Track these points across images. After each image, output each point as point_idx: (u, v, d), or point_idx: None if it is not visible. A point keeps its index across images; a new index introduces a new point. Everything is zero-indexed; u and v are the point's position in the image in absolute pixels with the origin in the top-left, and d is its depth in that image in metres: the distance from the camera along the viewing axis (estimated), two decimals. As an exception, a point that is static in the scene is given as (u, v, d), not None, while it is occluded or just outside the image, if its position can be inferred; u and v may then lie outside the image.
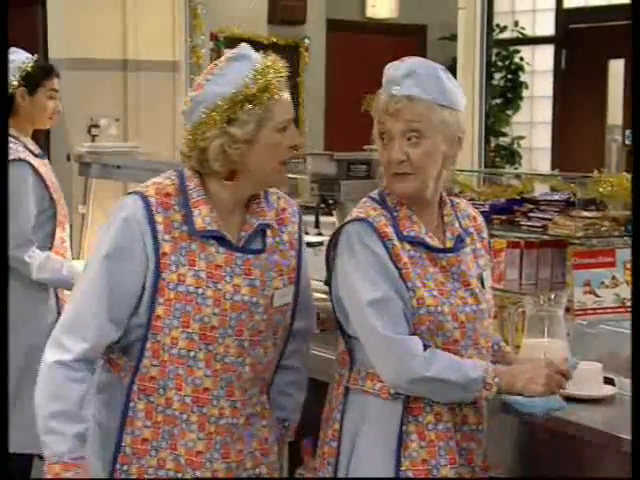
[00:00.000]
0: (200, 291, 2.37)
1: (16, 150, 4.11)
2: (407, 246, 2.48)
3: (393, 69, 2.49)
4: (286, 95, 2.43)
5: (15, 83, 4.19)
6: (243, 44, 2.48)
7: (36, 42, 5.71)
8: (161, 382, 2.40)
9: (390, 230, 2.47)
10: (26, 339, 4.11)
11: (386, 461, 2.46)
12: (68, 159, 5.43)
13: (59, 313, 4.22)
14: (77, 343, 2.36)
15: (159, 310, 2.37)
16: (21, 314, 4.11)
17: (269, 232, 2.49)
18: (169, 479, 2.40)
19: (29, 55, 4.33)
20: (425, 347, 2.42)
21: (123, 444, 2.42)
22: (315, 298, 2.74)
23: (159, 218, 2.38)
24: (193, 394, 2.39)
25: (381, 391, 2.47)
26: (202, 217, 2.40)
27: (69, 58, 5.38)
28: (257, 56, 2.43)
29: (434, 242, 2.51)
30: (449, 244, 2.53)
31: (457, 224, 2.57)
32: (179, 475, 2.41)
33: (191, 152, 2.43)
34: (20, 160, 4.11)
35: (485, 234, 2.66)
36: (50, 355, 2.37)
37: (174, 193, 2.42)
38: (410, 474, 2.45)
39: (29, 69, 4.24)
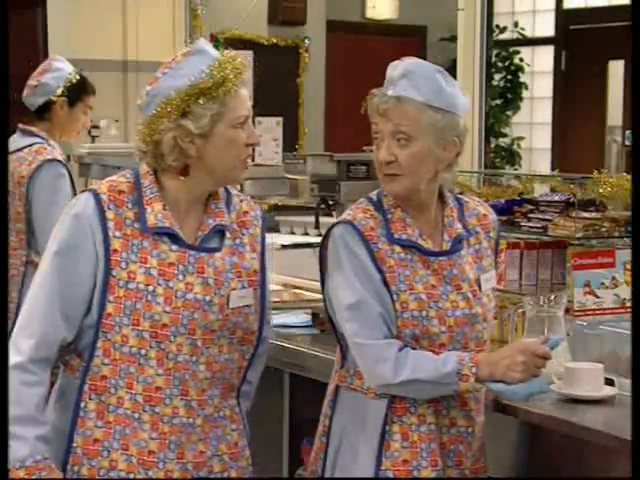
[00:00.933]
0: (151, 288, 2.34)
1: (51, 151, 4.17)
2: (397, 248, 2.49)
3: (391, 69, 2.50)
4: (244, 91, 2.41)
5: (59, 92, 4.25)
6: (201, 39, 2.49)
7: (36, 43, 5.71)
8: (112, 381, 2.35)
9: (378, 232, 2.48)
10: None
11: (367, 460, 2.48)
12: (68, 160, 5.43)
13: None
14: (27, 341, 2.34)
15: (109, 308, 2.34)
16: None
17: (228, 234, 2.45)
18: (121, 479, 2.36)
19: (72, 67, 4.40)
20: (402, 348, 2.43)
21: (74, 445, 2.38)
22: (315, 299, 2.75)
23: (110, 215, 2.36)
24: (145, 393, 2.35)
25: (368, 390, 2.49)
26: (155, 214, 2.37)
27: (69, 59, 5.36)
28: (215, 51, 2.42)
29: (428, 244, 2.51)
30: (445, 246, 2.53)
31: (458, 225, 2.56)
32: (131, 475, 2.36)
33: (146, 147, 2.42)
34: (57, 160, 4.17)
35: (493, 233, 2.63)
36: (10, 358, 2.34)
37: (127, 190, 2.41)
38: (390, 474, 2.46)
39: (74, 81, 4.31)
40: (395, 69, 2.48)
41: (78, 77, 4.35)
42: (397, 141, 2.45)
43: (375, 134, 2.49)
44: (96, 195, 2.39)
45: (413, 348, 2.45)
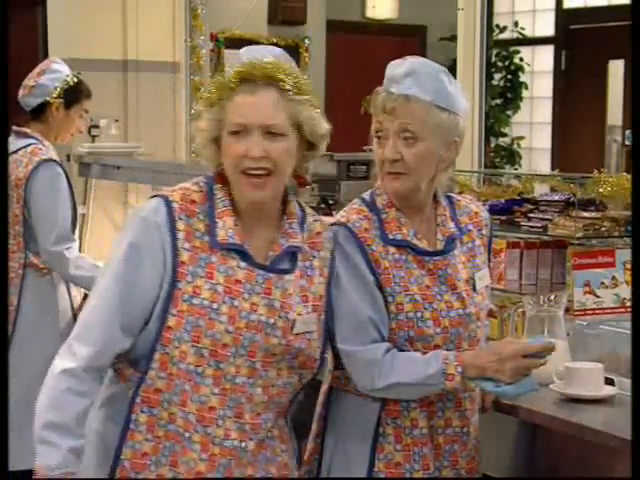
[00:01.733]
0: (215, 306, 2.25)
1: (47, 151, 4.18)
2: (392, 249, 2.47)
3: (394, 67, 2.48)
4: (248, 99, 2.26)
5: (55, 93, 4.25)
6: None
7: (36, 42, 5.71)
8: (166, 395, 2.27)
9: (372, 234, 2.47)
10: (41, 349, 4.14)
11: (361, 461, 2.47)
12: (68, 159, 5.44)
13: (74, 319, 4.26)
14: (85, 348, 2.25)
15: (171, 321, 2.24)
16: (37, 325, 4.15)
17: (300, 256, 2.36)
18: None
19: (70, 70, 4.40)
20: (388, 350, 2.42)
21: (122, 457, 2.29)
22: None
23: (181, 225, 2.26)
24: (198, 412, 2.26)
25: (361, 391, 2.48)
26: (225, 229, 2.28)
27: (69, 58, 5.37)
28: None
29: (422, 244, 2.50)
30: (439, 246, 2.52)
31: (451, 224, 2.55)
32: None
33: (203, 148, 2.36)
34: (52, 160, 4.17)
35: (485, 231, 2.63)
36: (59, 362, 2.26)
37: (199, 200, 2.30)
38: (382, 475, 2.46)
39: (72, 83, 4.31)
40: (398, 67, 2.46)
41: (75, 79, 4.35)
42: (403, 140, 2.43)
43: (377, 132, 2.47)
44: (168, 202, 2.28)
45: (406, 350, 2.44)
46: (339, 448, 2.52)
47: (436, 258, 2.50)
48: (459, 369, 2.37)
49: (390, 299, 2.44)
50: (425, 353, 2.43)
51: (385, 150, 2.45)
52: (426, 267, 2.49)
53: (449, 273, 2.50)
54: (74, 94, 4.32)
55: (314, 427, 2.57)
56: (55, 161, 4.19)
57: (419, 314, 2.45)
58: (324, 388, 2.57)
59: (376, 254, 2.45)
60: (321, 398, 2.57)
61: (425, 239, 2.51)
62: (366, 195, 2.56)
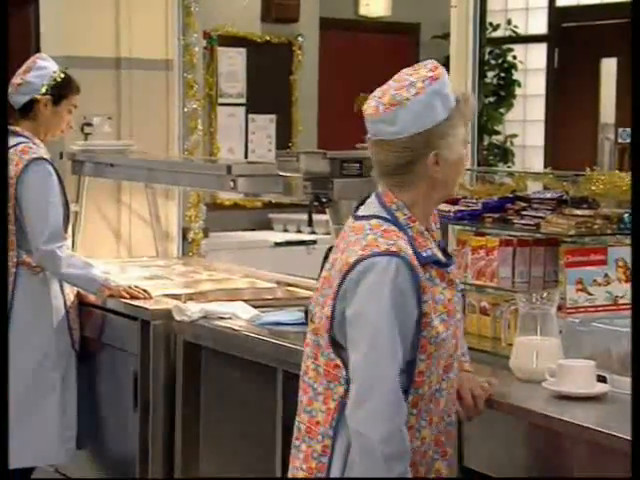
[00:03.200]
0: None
1: (37, 150, 4.17)
2: (421, 270, 2.40)
3: (443, 83, 2.44)
4: None
5: (43, 90, 4.24)
6: None
7: (29, 40, 5.70)
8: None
9: (415, 258, 2.38)
10: (34, 348, 4.15)
11: None
12: (61, 157, 5.42)
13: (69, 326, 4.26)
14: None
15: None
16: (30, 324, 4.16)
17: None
18: None
19: (57, 66, 4.38)
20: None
21: None
22: (309, 296, 2.72)
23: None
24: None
25: None
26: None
27: (62, 56, 5.36)
28: None
29: (441, 256, 2.48)
30: (439, 253, 2.50)
31: (433, 226, 2.55)
32: None
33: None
34: (43, 159, 4.17)
35: (439, 224, 2.62)
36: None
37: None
38: None
39: (59, 79, 4.29)
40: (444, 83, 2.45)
41: (63, 75, 4.33)
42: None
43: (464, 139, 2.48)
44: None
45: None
46: (349, 466, 2.42)
47: (451, 267, 2.50)
48: None
49: (432, 323, 2.40)
50: (445, 367, 2.47)
51: (467, 157, 2.52)
52: (447, 279, 2.47)
53: (457, 278, 2.52)
54: (62, 90, 4.30)
55: (317, 446, 2.45)
56: (45, 159, 4.18)
57: (450, 332, 2.45)
58: (327, 405, 2.46)
59: (423, 279, 2.40)
60: (328, 415, 2.46)
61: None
62: (383, 213, 2.44)
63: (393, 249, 2.35)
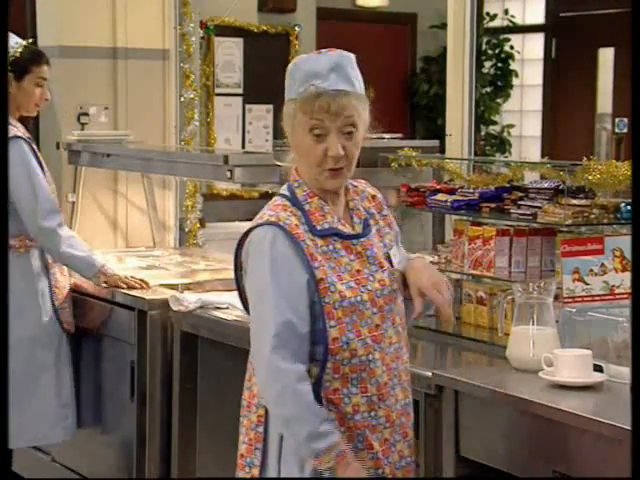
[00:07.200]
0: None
1: (12, 129, 4.10)
2: (319, 242, 2.50)
3: (313, 62, 2.49)
4: None
5: None
6: None
7: (25, 30, 5.68)
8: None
9: (302, 229, 2.48)
10: (25, 331, 4.12)
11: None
12: (57, 147, 5.42)
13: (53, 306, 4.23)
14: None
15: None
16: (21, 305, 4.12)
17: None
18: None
19: (19, 40, 4.30)
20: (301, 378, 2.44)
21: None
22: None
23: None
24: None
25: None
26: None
27: (58, 46, 5.35)
28: None
29: (346, 229, 2.54)
30: (358, 229, 2.56)
31: (361, 208, 2.60)
32: None
33: None
34: (18, 137, 4.11)
35: (386, 211, 2.67)
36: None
37: None
38: None
39: (17, 54, 4.22)
40: (317, 62, 2.48)
41: (21, 50, 4.25)
42: (347, 134, 2.47)
43: (315, 129, 2.46)
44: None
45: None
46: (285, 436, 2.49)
47: (362, 240, 2.55)
48: (331, 463, 2.40)
49: (332, 288, 2.47)
50: (372, 337, 2.49)
51: (331, 148, 2.45)
52: (354, 251, 2.53)
53: (375, 252, 2.56)
54: (23, 64, 4.22)
55: (252, 417, 2.55)
56: (22, 137, 4.13)
57: (359, 297, 2.49)
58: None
59: (310, 248, 2.48)
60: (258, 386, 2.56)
61: (347, 223, 2.55)
62: (284, 190, 2.57)
63: (272, 219, 2.48)
